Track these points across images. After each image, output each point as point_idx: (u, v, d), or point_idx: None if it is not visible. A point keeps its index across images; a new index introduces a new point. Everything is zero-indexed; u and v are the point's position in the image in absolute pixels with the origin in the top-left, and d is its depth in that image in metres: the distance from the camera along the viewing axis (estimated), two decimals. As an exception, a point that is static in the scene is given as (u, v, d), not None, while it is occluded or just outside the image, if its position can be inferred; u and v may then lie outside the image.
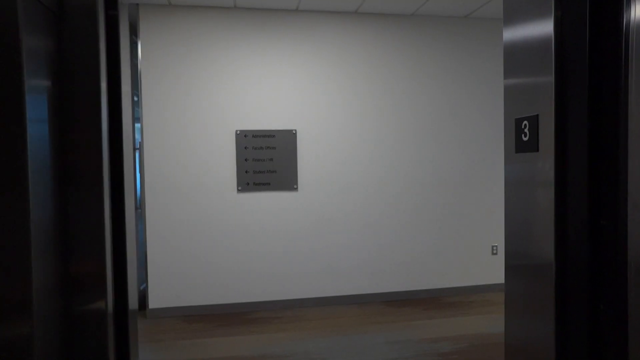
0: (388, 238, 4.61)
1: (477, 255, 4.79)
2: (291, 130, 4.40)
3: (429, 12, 4.51)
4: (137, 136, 4.51)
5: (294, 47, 4.40)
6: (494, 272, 4.81)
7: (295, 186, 4.42)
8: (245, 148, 4.33)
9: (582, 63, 1.08)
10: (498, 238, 4.82)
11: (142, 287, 4.50)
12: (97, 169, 0.80)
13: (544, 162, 1.14)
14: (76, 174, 0.78)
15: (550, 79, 1.11)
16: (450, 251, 4.74)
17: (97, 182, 0.80)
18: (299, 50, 4.41)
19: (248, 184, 4.35)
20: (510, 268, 1.33)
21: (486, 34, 4.72)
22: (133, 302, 0.96)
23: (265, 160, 4.36)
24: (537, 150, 1.17)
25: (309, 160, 4.45)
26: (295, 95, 4.42)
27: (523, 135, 1.23)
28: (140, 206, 4.41)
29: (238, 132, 4.32)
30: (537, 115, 1.16)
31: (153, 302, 4.23)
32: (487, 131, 4.76)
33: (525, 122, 1.21)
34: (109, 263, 0.83)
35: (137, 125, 4.52)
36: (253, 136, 4.34)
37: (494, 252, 4.81)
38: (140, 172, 4.30)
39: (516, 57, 1.26)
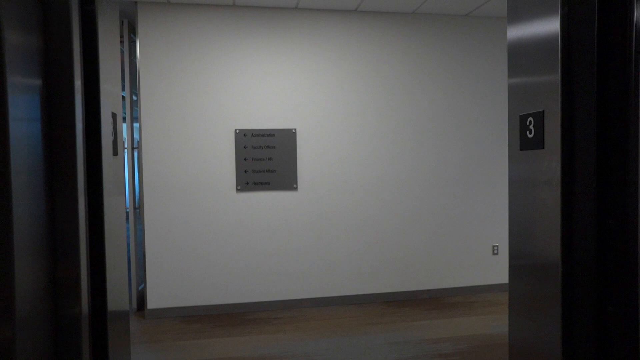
0: (388, 238, 4.59)
1: (478, 255, 4.76)
2: (291, 130, 4.37)
3: (429, 11, 4.48)
4: (135, 135, 4.49)
5: (294, 45, 4.37)
6: (495, 272, 4.78)
7: (294, 185, 4.39)
8: (244, 147, 4.30)
9: (590, 59, 1.05)
10: (499, 238, 4.79)
11: (140, 288, 4.47)
12: (71, 169, 0.78)
13: (550, 160, 1.11)
14: (55, 174, 0.77)
15: (557, 73, 1.08)
16: (451, 251, 4.71)
17: (72, 182, 0.78)
18: (298, 49, 4.38)
19: (247, 183, 4.32)
20: (514, 268, 1.31)
21: (487, 33, 4.69)
22: (115, 303, 0.94)
23: (265, 160, 4.33)
24: (543, 148, 1.14)
25: (308, 159, 4.42)
26: (295, 94, 4.39)
27: (528, 132, 1.20)
28: (138, 206, 4.38)
29: (237, 131, 4.29)
30: (543, 111, 1.13)
31: (151, 303, 4.20)
32: (488, 130, 4.73)
33: (530, 118, 1.18)
34: (84, 264, 0.81)
35: (136, 124, 4.49)
36: (252, 135, 4.31)
37: (495, 252, 4.78)
38: (138, 171, 4.27)
39: (521, 55, 1.23)
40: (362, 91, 4.50)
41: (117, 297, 0.96)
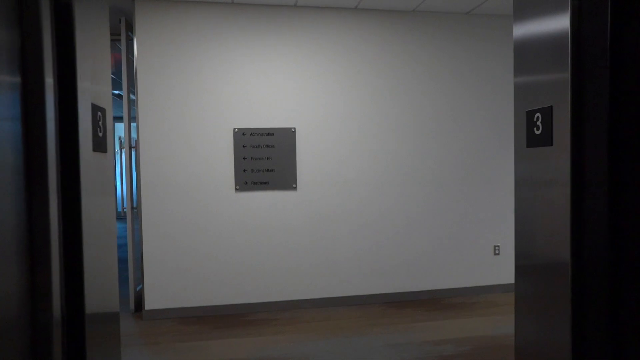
0: (389, 238, 4.54)
1: (479, 256, 4.71)
2: (290, 129, 4.33)
3: (429, 9, 4.44)
4: (133, 134, 4.44)
5: (293, 43, 4.33)
6: (496, 272, 4.74)
7: (294, 185, 4.35)
8: (243, 146, 4.26)
9: (602, 54, 1.00)
10: (500, 238, 4.74)
11: (138, 288, 4.43)
12: (42, 168, 0.76)
13: (559, 157, 1.07)
14: (30, 175, 0.75)
15: (567, 68, 1.04)
16: (452, 251, 4.66)
17: (43, 181, 0.76)
18: (298, 47, 4.33)
19: (246, 183, 4.27)
20: (520, 269, 1.27)
21: (488, 31, 4.65)
22: (97, 305, 0.90)
23: (264, 159, 4.29)
24: (551, 145, 1.09)
25: (308, 158, 4.37)
26: (295, 93, 4.34)
27: (535, 128, 1.15)
28: (136, 205, 4.33)
29: (236, 130, 4.24)
30: (551, 106, 1.09)
31: (149, 304, 4.16)
32: (489, 129, 4.68)
33: (538, 114, 1.14)
34: (55, 267, 0.78)
35: (134, 124, 4.45)
36: (251, 134, 4.26)
37: (496, 252, 4.74)
38: (136, 170, 4.22)
39: (528, 49, 1.19)
40: (362, 90, 4.45)
41: (101, 300, 0.92)
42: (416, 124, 4.55)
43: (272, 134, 4.30)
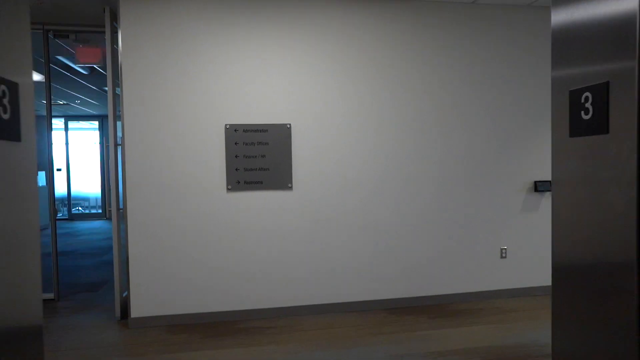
0: (390, 241, 4.30)
1: (485, 259, 4.48)
2: (285, 125, 4.08)
3: (433, -2, 4.20)
4: (118, 132, 4.20)
5: (288, 36, 4.08)
6: (503, 276, 4.50)
7: (289, 185, 4.10)
8: (235, 144, 4.02)
9: None
10: (507, 241, 4.50)
11: (124, 294, 4.18)
12: None
13: (619, 149, 0.82)
14: None
15: (634, 44, 0.80)
16: (457, 255, 4.42)
17: None
18: (293, 40, 4.09)
19: (239, 182, 4.03)
20: (560, 272, 1.07)
21: (494, 22, 4.41)
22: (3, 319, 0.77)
23: (257, 157, 4.05)
24: (607, 132, 0.85)
25: (304, 157, 4.13)
26: (290, 88, 4.10)
27: (583, 112, 0.90)
28: (122, 207, 4.10)
29: (228, 126, 4.00)
30: (607, 82, 0.84)
31: (135, 311, 3.92)
32: (495, 126, 4.44)
33: (587, 94, 0.89)
34: None
35: (119, 121, 4.21)
36: (244, 131, 4.02)
37: (503, 255, 4.50)
38: (122, 169, 3.98)
39: (575, 30, 0.97)
40: (361, 85, 4.21)
41: (11, 313, 0.80)
42: (418, 121, 4.31)
43: (266, 131, 4.06)
